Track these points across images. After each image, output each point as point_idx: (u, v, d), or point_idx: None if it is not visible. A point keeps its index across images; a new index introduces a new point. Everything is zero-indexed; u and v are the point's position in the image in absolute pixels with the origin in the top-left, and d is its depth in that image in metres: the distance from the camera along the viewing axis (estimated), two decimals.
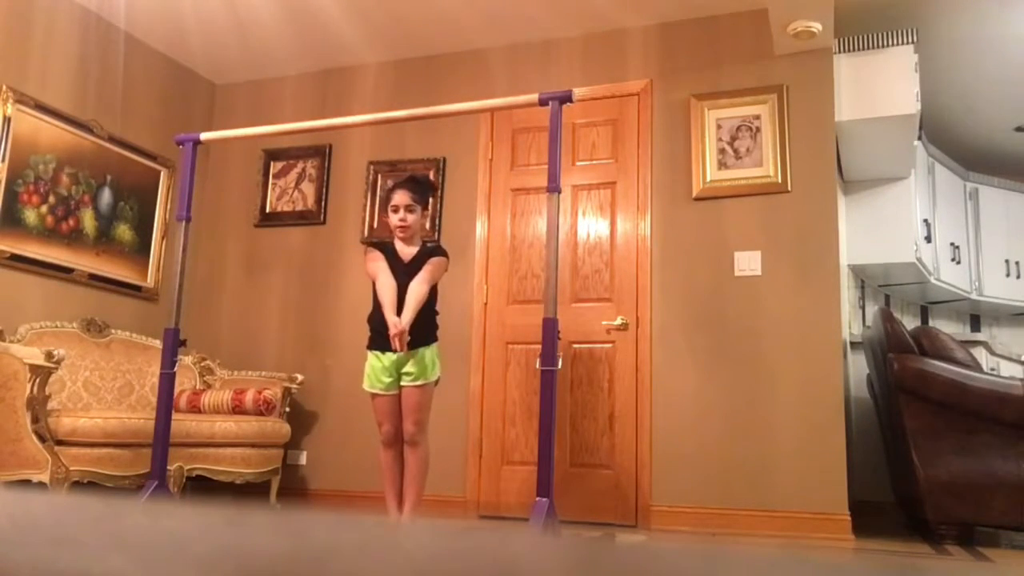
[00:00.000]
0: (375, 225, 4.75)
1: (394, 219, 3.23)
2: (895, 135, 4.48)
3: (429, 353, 3.18)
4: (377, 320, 3.16)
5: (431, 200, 3.32)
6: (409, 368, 3.14)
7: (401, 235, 3.25)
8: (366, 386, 3.22)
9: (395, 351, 3.06)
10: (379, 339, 3.16)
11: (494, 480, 4.21)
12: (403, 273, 3.18)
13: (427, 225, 3.23)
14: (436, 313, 3.28)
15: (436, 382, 3.23)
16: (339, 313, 4.71)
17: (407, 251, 3.27)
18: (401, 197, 3.23)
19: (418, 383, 3.14)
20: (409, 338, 3.05)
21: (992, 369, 5.21)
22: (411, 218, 3.22)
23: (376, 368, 3.18)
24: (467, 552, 0.46)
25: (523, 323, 4.27)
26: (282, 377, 4.44)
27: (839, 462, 3.69)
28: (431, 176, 3.29)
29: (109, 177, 4.56)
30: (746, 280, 3.98)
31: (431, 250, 3.29)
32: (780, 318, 3.89)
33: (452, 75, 4.74)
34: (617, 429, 4.06)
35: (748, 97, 4.13)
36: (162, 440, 3.38)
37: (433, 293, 3.23)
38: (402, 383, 3.15)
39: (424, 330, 3.15)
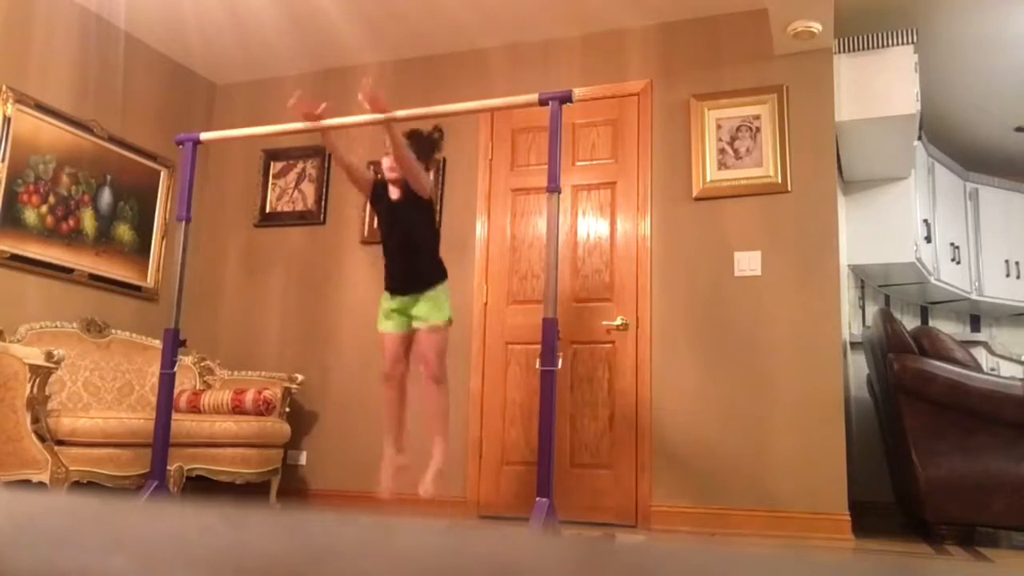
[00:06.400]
0: (375, 225, 4.74)
1: (385, 161, 3.28)
2: (895, 135, 4.47)
3: (436, 293, 3.17)
4: (386, 263, 3.24)
5: (433, 157, 3.39)
6: (417, 311, 3.15)
7: (389, 176, 3.27)
8: (377, 325, 3.27)
9: (402, 295, 3.15)
10: (388, 280, 3.24)
11: (494, 480, 4.21)
12: (389, 210, 3.26)
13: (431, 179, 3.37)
14: (438, 255, 3.28)
15: (449, 322, 3.21)
16: (339, 313, 4.71)
17: (397, 192, 3.30)
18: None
19: (429, 324, 3.13)
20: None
21: (992, 369, 5.21)
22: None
23: (383, 308, 3.23)
24: (467, 552, 0.46)
25: (523, 323, 4.27)
26: (282, 377, 4.44)
27: (839, 462, 3.69)
28: (435, 135, 3.39)
29: (109, 177, 4.56)
30: (746, 280, 3.98)
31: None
32: (780, 318, 3.89)
33: (452, 75, 4.74)
34: (617, 429, 4.06)
35: (748, 97, 4.13)
36: (162, 440, 3.38)
37: (433, 231, 3.30)
38: (414, 326, 3.16)
39: (428, 270, 3.19)
